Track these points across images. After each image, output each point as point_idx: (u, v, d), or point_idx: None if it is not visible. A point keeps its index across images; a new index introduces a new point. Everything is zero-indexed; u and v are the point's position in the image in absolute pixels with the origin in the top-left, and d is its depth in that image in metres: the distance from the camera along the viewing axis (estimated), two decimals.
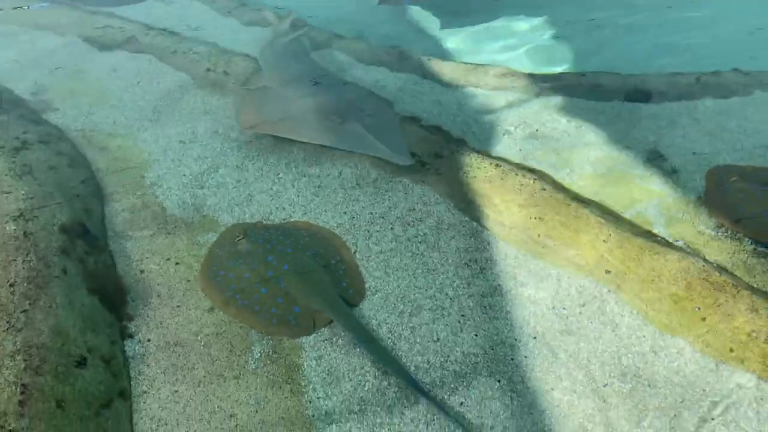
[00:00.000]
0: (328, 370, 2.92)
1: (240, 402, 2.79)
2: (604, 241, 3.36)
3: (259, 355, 2.99)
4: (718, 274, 3.04)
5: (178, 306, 3.22)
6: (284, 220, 3.77)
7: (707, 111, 4.53)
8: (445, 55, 6.08)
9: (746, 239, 3.42)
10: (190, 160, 4.35)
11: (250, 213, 3.84)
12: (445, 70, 5.47)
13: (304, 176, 4.16)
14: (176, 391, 2.83)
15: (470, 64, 5.59)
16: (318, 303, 3.14)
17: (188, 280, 3.36)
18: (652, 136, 4.35)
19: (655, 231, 3.54)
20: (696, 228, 3.56)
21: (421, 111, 4.87)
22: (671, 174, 3.99)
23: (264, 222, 3.74)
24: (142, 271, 3.41)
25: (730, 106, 4.56)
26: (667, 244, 3.34)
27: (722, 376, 2.74)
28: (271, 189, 4.05)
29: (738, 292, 2.93)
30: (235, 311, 3.14)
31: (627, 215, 3.68)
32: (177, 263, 3.47)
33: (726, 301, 2.92)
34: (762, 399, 2.62)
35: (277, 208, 3.88)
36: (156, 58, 5.94)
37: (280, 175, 4.18)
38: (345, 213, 3.81)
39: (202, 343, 3.03)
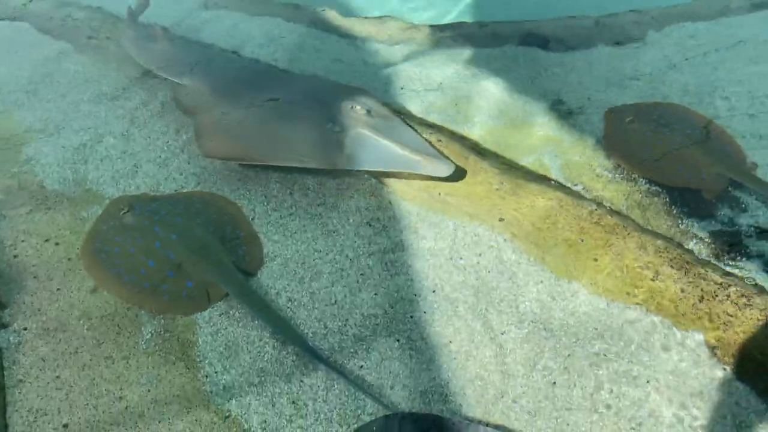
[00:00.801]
0: (225, 344, 2.81)
1: (130, 383, 2.65)
2: (497, 189, 3.34)
3: (150, 335, 2.83)
4: (609, 216, 3.09)
5: (58, 289, 3.01)
6: (176, 191, 3.57)
7: (603, 54, 4.55)
8: (345, 9, 5.87)
9: (641, 179, 3.48)
10: (70, 132, 4.04)
11: (136, 185, 3.62)
12: (345, 24, 5.28)
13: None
14: (58, 377, 2.65)
15: (371, 17, 5.42)
16: (212, 275, 3.00)
17: (69, 259, 3.14)
18: (551, 83, 4.35)
19: (553, 176, 3.56)
20: (594, 171, 3.59)
21: (321, 68, 4.69)
22: (569, 118, 4.00)
23: (152, 193, 3.52)
24: (15, 256, 3.16)
25: (624, 47, 4.59)
26: (562, 189, 3.36)
27: (613, 313, 2.79)
28: (160, 157, 3.82)
29: (628, 233, 2.98)
30: (121, 289, 2.96)
31: (525, 162, 3.68)
32: (57, 243, 3.23)
33: (616, 242, 2.97)
34: (649, 332, 2.69)
35: (166, 178, 3.66)
36: (33, 26, 5.47)
37: (169, 143, 3.94)
38: (239, 180, 3.64)
39: (86, 327, 2.85)
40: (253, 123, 3.69)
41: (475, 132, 3.94)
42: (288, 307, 2.94)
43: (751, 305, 2.59)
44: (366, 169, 3.47)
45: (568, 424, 2.46)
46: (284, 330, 2.81)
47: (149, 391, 2.62)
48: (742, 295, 2.63)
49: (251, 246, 3.22)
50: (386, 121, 3.67)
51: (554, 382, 2.60)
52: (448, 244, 3.18)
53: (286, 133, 3.58)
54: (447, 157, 3.46)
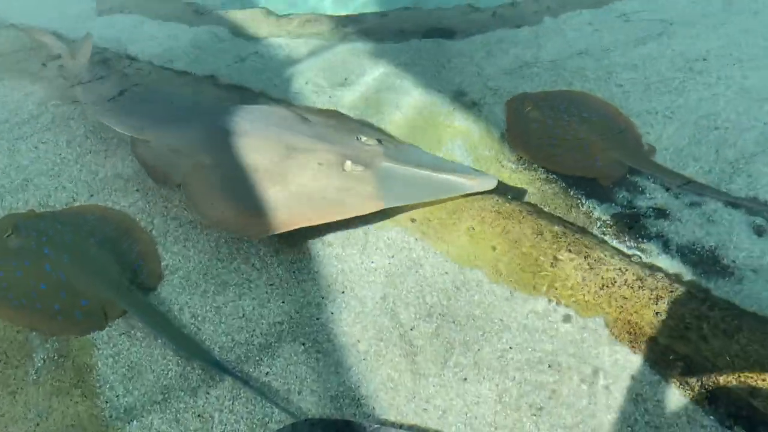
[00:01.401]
0: (127, 365, 2.69)
1: (16, 419, 2.49)
2: None
3: (42, 362, 2.67)
4: (508, 204, 3.13)
5: None
6: (67, 205, 3.38)
7: (503, 44, 4.61)
8: (247, 6, 5.73)
9: (540, 169, 3.54)
10: None
11: (24, 199, 3.41)
12: (247, 22, 5.15)
13: (89, 153, 3.75)
14: None
15: (273, 14, 5.31)
16: (107, 292, 2.86)
17: None
18: (456, 75, 4.37)
19: None
20: (500, 162, 3.63)
21: (220, 69, 4.56)
22: (474, 110, 4.03)
23: (40, 210, 3.33)
24: None
25: (524, 36, 4.67)
26: None
27: (517, 304, 2.83)
28: (52, 170, 3.62)
29: (524, 217, 3.02)
30: (10, 312, 2.78)
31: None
32: None
33: (513, 228, 3.01)
34: (552, 320, 2.74)
35: (56, 188, 3.47)
36: None
37: (61, 155, 3.73)
38: (137, 190, 3.49)
39: None
40: (258, 180, 3.11)
41: (386, 127, 3.91)
42: (192, 323, 2.84)
43: (643, 287, 2.68)
44: (409, 203, 3.17)
45: (476, 418, 2.47)
46: (188, 348, 2.72)
47: (37, 425, 2.48)
48: (638, 278, 2.72)
49: (149, 260, 3.09)
50: (400, 147, 3.39)
51: (465, 378, 2.61)
52: (358, 249, 3.14)
53: (308, 186, 3.06)
54: (477, 169, 3.34)
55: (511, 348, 2.67)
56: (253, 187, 3.07)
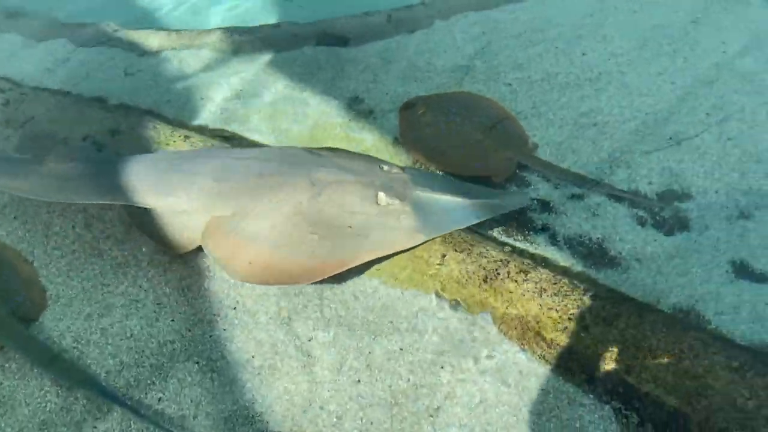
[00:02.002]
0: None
1: None
2: None
3: None
4: None
5: None
6: None
7: (398, 48, 4.67)
8: (137, 22, 5.55)
9: (437, 172, 3.60)
10: None
11: None
12: (135, 37, 4.99)
13: None
14: None
15: (164, 29, 5.16)
16: None
17: None
18: (352, 82, 4.39)
19: None
20: None
21: (108, 89, 4.38)
22: (369, 117, 4.06)
23: None
24: None
25: (417, 40, 4.73)
26: None
27: (407, 302, 2.85)
28: None
29: None
30: None
31: None
32: None
33: None
34: (441, 318, 2.78)
35: None
36: None
37: None
38: (15, 218, 3.30)
39: None
40: (293, 225, 2.86)
41: (282, 140, 3.87)
42: (75, 348, 2.71)
43: (527, 279, 2.76)
44: (446, 233, 2.99)
45: (372, 423, 2.47)
46: (70, 374, 2.59)
47: None
48: (521, 271, 2.79)
49: (30, 290, 2.94)
50: (421, 174, 3.28)
51: (358, 380, 2.61)
52: None
53: (347, 224, 2.87)
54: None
55: (401, 349, 2.69)
56: (289, 233, 2.82)
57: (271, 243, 2.78)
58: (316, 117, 4.07)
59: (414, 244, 2.88)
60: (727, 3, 4.82)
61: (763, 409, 2.22)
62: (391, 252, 2.83)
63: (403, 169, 3.18)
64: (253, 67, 4.54)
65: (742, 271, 2.98)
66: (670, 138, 3.66)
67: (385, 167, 3.15)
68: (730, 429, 2.21)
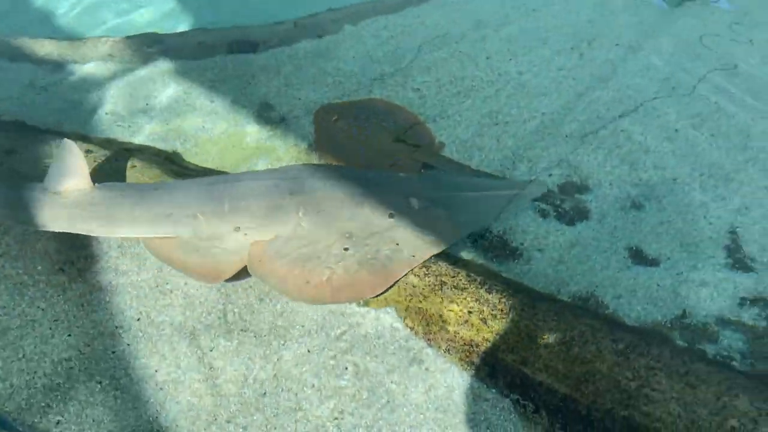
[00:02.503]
0: None
1: None
2: None
3: None
4: None
5: None
6: None
7: (307, 55, 4.67)
8: (39, 28, 5.31)
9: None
10: None
11: None
12: (37, 48, 4.79)
13: None
14: None
15: (65, 39, 4.95)
16: None
17: None
18: (262, 89, 4.36)
19: None
20: None
21: (16, 101, 4.18)
22: (281, 124, 4.05)
23: None
24: None
25: (325, 45, 4.76)
26: None
27: (316, 306, 2.86)
28: None
29: None
30: None
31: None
32: None
33: None
34: (346, 315, 2.80)
35: None
36: None
37: None
38: None
39: None
40: (343, 240, 2.91)
41: (191, 149, 3.81)
42: None
43: (429, 274, 2.82)
44: (477, 229, 3.18)
45: (275, 429, 2.47)
46: None
47: None
48: (423, 266, 2.85)
49: None
50: (444, 174, 3.44)
51: (264, 393, 2.59)
52: (153, 274, 3.02)
53: (396, 233, 2.93)
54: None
55: (309, 351, 2.70)
56: (340, 248, 2.86)
57: (323, 261, 2.80)
58: (225, 126, 4.03)
59: (452, 243, 2.98)
60: (623, 2, 5.06)
61: (644, 388, 2.35)
62: (437, 252, 2.88)
63: (420, 173, 3.37)
64: (161, 78, 4.44)
65: (636, 256, 3.14)
66: (567, 135, 3.82)
67: (402, 174, 3.33)
68: (615, 410, 2.32)
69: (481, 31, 4.77)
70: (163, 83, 4.39)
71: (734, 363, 2.59)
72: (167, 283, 2.98)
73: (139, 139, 3.89)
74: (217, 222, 2.97)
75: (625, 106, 3.99)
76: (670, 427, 2.23)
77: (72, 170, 3.07)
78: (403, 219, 2.98)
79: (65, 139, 3.18)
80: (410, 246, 2.88)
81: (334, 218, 2.96)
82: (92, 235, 3.04)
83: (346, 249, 2.86)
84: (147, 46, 4.70)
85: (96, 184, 3.12)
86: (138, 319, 2.82)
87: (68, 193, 3.05)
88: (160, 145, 3.84)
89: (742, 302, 2.87)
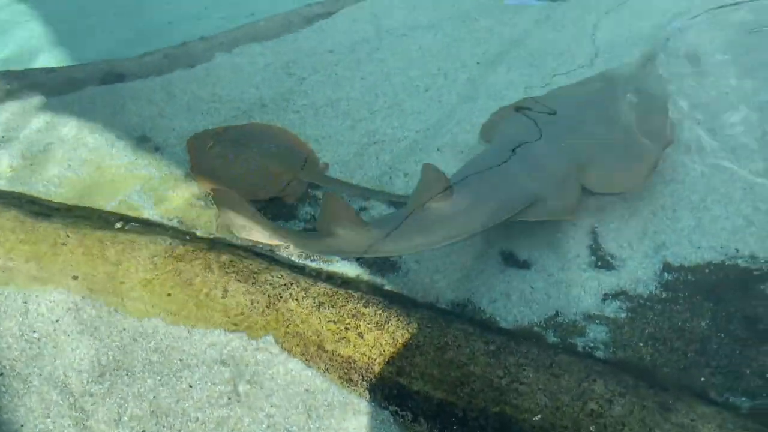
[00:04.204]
0: None
1: None
2: (63, 244, 3.14)
3: None
4: (182, 246, 3.12)
5: None
6: None
7: (180, 83, 4.61)
8: None
9: None
10: None
11: None
12: None
13: None
14: None
15: None
16: None
17: None
18: (134, 119, 4.26)
19: (146, 215, 3.49)
20: (188, 202, 3.61)
21: None
22: (156, 154, 3.96)
23: None
24: None
25: (198, 74, 4.72)
26: (140, 230, 3.30)
27: (195, 340, 2.81)
28: None
29: (196, 255, 3.04)
30: None
31: (111, 207, 3.54)
32: None
33: (186, 268, 3.00)
34: (231, 348, 2.77)
35: None
36: None
37: None
38: None
39: None
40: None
41: (57, 188, 3.66)
42: None
43: (308, 296, 2.83)
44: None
45: None
46: None
47: None
48: (302, 289, 2.86)
49: None
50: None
51: (143, 430, 2.51)
52: (17, 321, 2.87)
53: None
54: None
55: (190, 386, 2.64)
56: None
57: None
58: (97, 160, 3.90)
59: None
60: (479, 21, 5.32)
61: (513, 383, 2.46)
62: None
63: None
64: (24, 114, 4.25)
65: (509, 260, 3.28)
66: (438, 149, 3.97)
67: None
68: (488, 407, 2.42)
69: (355, 54, 4.89)
70: (25, 120, 4.20)
71: (598, 353, 2.76)
72: (34, 331, 2.83)
73: None
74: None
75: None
76: (538, 415, 2.35)
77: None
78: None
79: None
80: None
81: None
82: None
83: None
84: (6, 83, 4.49)
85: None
86: (1, 374, 2.67)
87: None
88: (20, 189, 3.66)
89: (605, 298, 3.04)
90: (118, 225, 3.34)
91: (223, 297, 2.88)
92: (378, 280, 3.16)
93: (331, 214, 3.09)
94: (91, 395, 2.61)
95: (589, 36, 5.05)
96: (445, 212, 3.03)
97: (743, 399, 2.50)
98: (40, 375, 2.68)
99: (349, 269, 3.20)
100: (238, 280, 2.93)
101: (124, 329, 2.86)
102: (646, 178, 3.41)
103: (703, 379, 2.60)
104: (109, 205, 3.55)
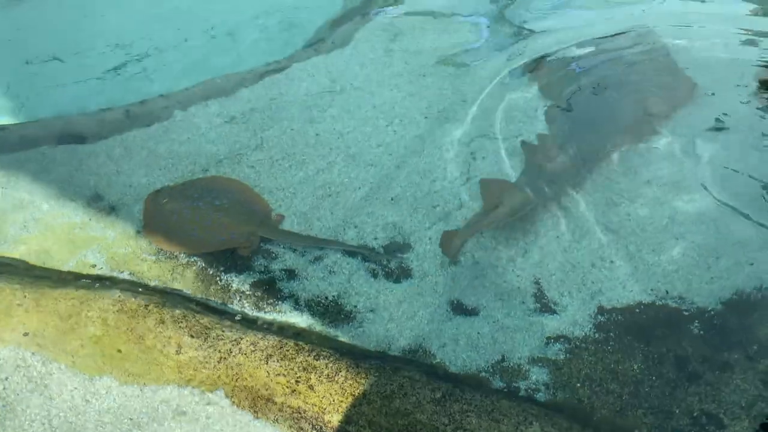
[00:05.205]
0: None
1: None
2: (18, 304, 3.16)
3: None
4: (133, 299, 3.17)
5: None
6: None
7: (137, 141, 4.70)
8: None
9: (182, 255, 3.66)
10: None
11: None
12: None
13: None
14: None
15: None
16: None
17: None
18: (91, 179, 4.31)
19: (99, 272, 3.53)
20: (139, 257, 3.66)
21: None
22: (111, 213, 4.01)
23: None
24: None
25: (156, 131, 4.83)
26: (90, 286, 3.34)
27: (147, 397, 2.84)
28: None
29: (148, 310, 3.09)
30: None
31: (69, 267, 3.58)
32: None
33: (138, 324, 3.05)
34: (181, 404, 2.81)
35: None
36: None
37: None
38: None
39: None
40: None
41: (12, 251, 3.68)
42: None
43: (256, 350, 2.91)
44: None
45: None
46: None
47: None
48: (251, 343, 2.94)
49: None
50: None
51: None
52: None
53: None
54: None
55: None
56: None
57: None
58: (49, 221, 3.92)
59: None
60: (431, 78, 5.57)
61: (458, 430, 2.56)
62: None
63: None
64: None
65: (457, 308, 3.42)
66: (392, 199, 4.12)
67: None
68: None
69: (310, 111, 5.05)
70: None
71: (539, 395, 2.88)
72: None
73: None
74: None
75: (435, 173, 4.37)
76: None
77: None
78: None
79: None
80: None
81: None
82: None
83: None
84: None
85: None
86: None
87: None
88: None
89: (548, 341, 3.19)
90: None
91: (177, 353, 2.93)
92: (330, 330, 3.25)
93: (492, 192, 4.04)
94: None
95: None
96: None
97: None
98: None
99: (300, 319, 3.29)
100: (191, 336, 2.99)
101: (75, 389, 2.88)
102: None
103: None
104: (68, 265, 3.60)
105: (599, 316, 3.30)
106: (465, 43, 6.09)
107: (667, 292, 3.41)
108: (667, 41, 5.74)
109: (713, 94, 5.00)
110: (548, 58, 5.65)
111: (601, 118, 4.86)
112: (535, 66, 5.55)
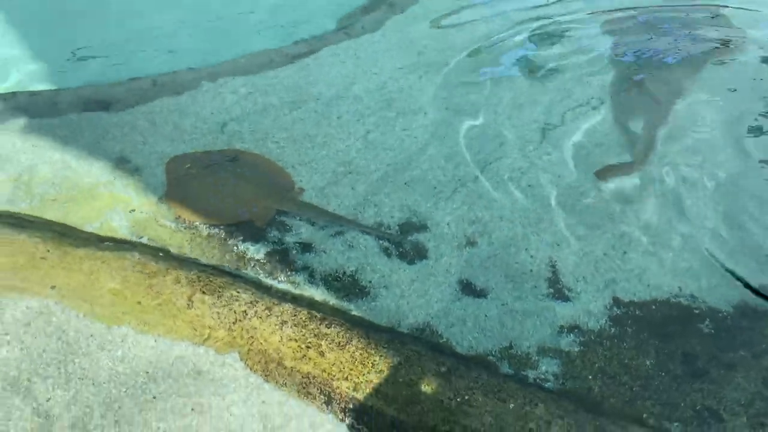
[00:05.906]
0: None
1: None
2: (42, 258, 3.25)
3: None
4: (154, 263, 3.25)
5: None
6: None
7: (164, 110, 4.78)
8: None
9: (200, 223, 3.73)
10: None
11: None
12: None
13: None
14: None
15: None
16: None
17: None
18: (117, 145, 4.40)
19: (121, 235, 3.62)
20: (159, 223, 3.74)
21: None
22: (135, 177, 4.10)
23: None
24: None
25: (183, 102, 4.90)
26: (114, 248, 3.42)
27: (161, 351, 2.90)
28: None
29: (168, 272, 3.16)
30: None
31: (92, 228, 3.67)
32: None
33: (157, 283, 3.12)
34: (197, 364, 2.86)
35: None
36: None
37: None
38: None
39: None
40: None
41: (39, 206, 3.79)
42: None
43: (271, 315, 2.96)
44: None
45: None
46: None
47: None
48: (266, 308, 2.99)
49: None
50: None
51: None
52: None
53: None
54: None
55: (154, 398, 2.73)
56: None
57: None
58: (77, 179, 4.03)
59: None
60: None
61: (463, 405, 2.59)
62: None
63: None
64: (11, 135, 4.39)
65: (467, 289, 3.44)
66: (406, 183, 4.16)
67: None
68: (438, 426, 2.54)
69: (333, 92, 5.10)
70: (10, 140, 4.32)
71: (548, 384, 2.89)
72: (7, 334, 2.91)
73: None
74: None
75: (459, 158, 4.39)
76: None
77: None
78: None
79: None
80: None
81: None
82: None
83: None
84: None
85: None
86: None
87: None
88: (7, 206, 3.78)
89: (561, 330, 3.20)
90: None
91: (189, 308, 2.99)
92: (345, 304, 3.30)
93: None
94: (57, 402, 2.68)
95: None
96: None
97: (676, 424, 2.68)
98: (4, 380, 2.74)
99: (317, 292, 3.34)
100: (203, 292, 3.06)
101: (92, 336, 2.95)
102: None
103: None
104: (92, 226, 3.69)
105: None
106: None
107: None
108: None
109: None
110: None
111: None
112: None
